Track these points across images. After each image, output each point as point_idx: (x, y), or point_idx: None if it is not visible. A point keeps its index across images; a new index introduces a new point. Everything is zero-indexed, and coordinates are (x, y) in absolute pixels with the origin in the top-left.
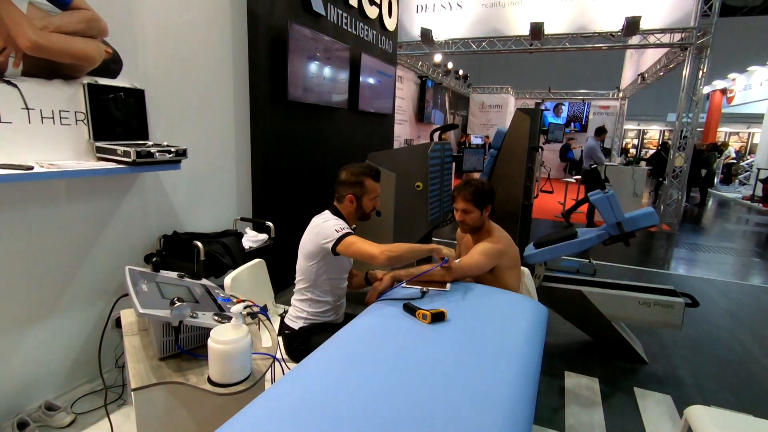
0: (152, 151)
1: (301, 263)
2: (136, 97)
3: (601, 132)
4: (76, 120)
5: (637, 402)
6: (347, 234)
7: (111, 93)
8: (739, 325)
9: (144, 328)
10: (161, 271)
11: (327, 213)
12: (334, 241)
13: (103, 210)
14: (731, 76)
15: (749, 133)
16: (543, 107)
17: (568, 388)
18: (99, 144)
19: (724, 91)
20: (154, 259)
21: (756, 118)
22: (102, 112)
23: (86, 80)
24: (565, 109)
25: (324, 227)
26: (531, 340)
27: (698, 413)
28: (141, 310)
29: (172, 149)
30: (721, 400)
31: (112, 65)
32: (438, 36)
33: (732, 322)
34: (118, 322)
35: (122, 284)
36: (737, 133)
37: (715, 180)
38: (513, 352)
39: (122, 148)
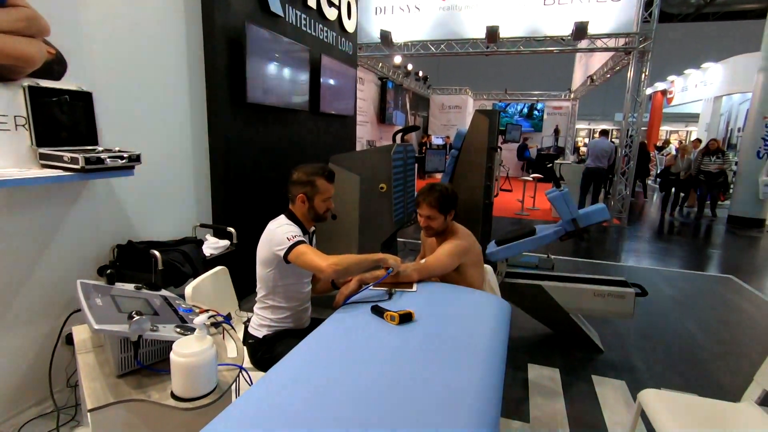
0: (102, 157)
1: (259, 270)
2: (84, 100)
3: (608, 132)
4: (16, 125)
5: (595, 389)
6: (298, 242)
7: (55, 96)
8: (684, 311)
9: (99, 344)
10: (116, 284)
11: (281, 218)
12: (285, 249)
13: (50, 220)
14: (670, 78)
15: (687, 132)
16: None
17: (531, 379)
18: (42, 150)
19: (664, 93)
20: (108, 271)
21: (693, 118)
22: (45, 117)
23: (26, 82)
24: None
25: (276, 233)
26: (496, 336)
27: (650, 396)
28: (96, 326)
29: (125, 155)
30: (670, 382)
31: (55, 66)
32: (397, 38)
33: (677, 308)
34: (69, 339)
35: (74, 298)
36: (677, 132)
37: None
38: (479, 348)
39: (69, 155)
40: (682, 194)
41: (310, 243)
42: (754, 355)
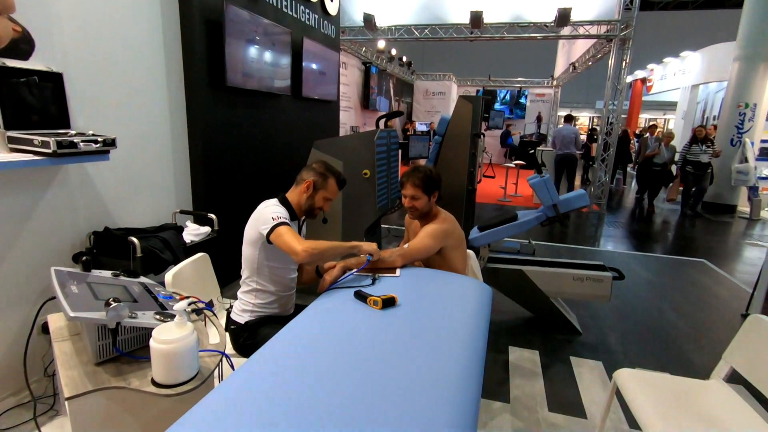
0: (75, 140)
1: (245, 250)
2: (54, 81)
3: (572, 118)
4: None
5: (573, 370)
6: (281, 223)
7: (22, 76)
8: (658, 294)
9: (76, 332)
10: (93, 271)
11: (273, 200)
12: (268, 229)
13: (21, 207)
14: (650, 66)
15: (665, 120)
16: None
17: (512, 361)
18: (11, 134)
19: (644, 81)
20: (84, 258)
21: (671, 106)
22: (13, 98)
23: None
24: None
25: (263, 213)
26: (477, 320)
27: (624, 376)
28: (72, 314)
29: (99, 138)
30: (643, 362)
31: (21, 45)
32: (381, 22)
33: (652, 291)
34: (45, 328)
35: (48, 287)
36: (655, 120)
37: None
38: (461, 331)
39: (40, 138)
40: (670, 184)
41: (299, 231)
42: (722, 335)
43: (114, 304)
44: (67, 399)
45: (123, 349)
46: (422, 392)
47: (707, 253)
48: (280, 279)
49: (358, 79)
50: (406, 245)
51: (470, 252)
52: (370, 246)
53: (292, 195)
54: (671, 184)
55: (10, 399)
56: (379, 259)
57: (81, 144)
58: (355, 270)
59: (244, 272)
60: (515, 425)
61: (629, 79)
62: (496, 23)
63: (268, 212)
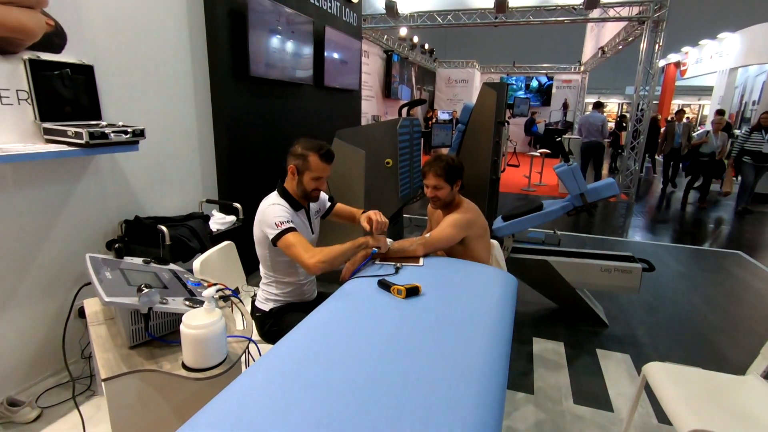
0: (107, 131)
1: (257, 249)
2: (85, 73)
3: (601, 105)
4: (19, 99)
5: (599, 362)
6: (287, 230)
7: (56, 69)
8: (690, 286)
9: (110, 316)
10: (125, 258)
11: (273, 196)
12: (274, 236)
13: (57, 196)
14: (684, 49)
15: (700, 105)
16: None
17: (536, 353)
18: (46, 125)
19: (677, 64)
20: (117, 245)
21: (706, 91)
22: (47, 91)
23: (27, 55)
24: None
25: (266, 215)
26: (502, 310)
27: (654, 369)
28: (106, 299)
29: (129, 129)
30: (674, 356)
31: (55, 39)
32: (403, 9)
33: (683, 283)
34: (81, 312)
35: (83, 273)
36: (689, 105)
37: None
38: (485, 321)
39: (73, 129)
40: (721, 178)
41: (308, 216)
42: (760, 329)
43: (146, 290)
44: (104, 380)
45: (155, 333)
46: (447, 382)
47: (744, 244)
48: (296, 269)
49: (379, 68)
50: (428, 234)
51: (494, 242)
52: (378, 239)
53: (288, 183)
54: (724, 177)
55: (50, 379)
56: (388, 250)
57: (112, 135)
58: (370, 259)
59: (261, 268)
60: (539, 416)
61: (662, 63)
62: (521, 7)
63: (270, 214)
